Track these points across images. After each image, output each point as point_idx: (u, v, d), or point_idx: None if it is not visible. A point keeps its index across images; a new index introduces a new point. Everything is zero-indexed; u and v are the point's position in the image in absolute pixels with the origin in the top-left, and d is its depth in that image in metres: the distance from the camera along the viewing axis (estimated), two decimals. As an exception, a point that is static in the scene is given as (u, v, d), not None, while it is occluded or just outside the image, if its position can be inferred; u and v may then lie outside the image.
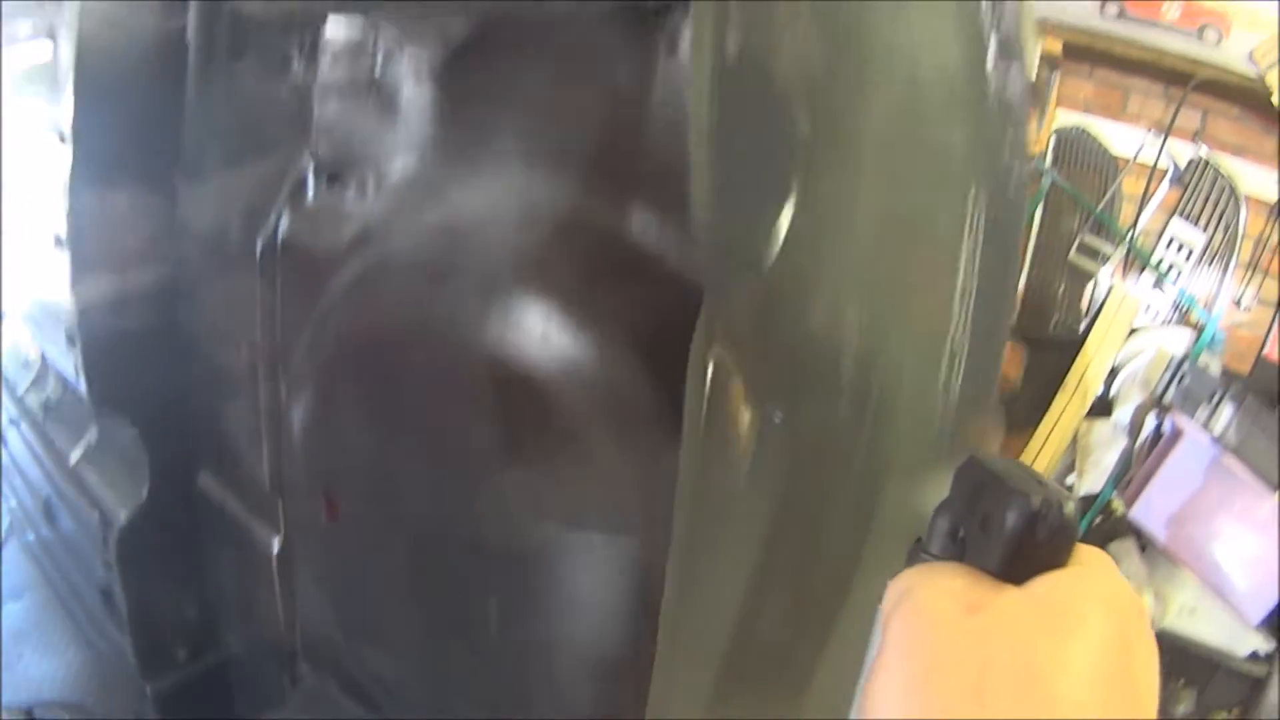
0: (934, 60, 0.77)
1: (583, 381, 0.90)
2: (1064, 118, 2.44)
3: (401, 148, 1.10)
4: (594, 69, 0.92)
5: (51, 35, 1.37)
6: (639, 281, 0.88)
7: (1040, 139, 2.43)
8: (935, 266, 0.79)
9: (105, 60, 1.30)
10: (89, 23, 1.28)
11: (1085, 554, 0.37)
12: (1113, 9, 2.33)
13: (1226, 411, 1.84)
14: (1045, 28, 2.35)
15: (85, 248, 1.34)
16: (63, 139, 1.31)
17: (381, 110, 1.11)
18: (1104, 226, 2.29)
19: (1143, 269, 2.31)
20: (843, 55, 0.74)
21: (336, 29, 1.16)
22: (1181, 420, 1.87)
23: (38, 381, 1.79)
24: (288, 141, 1.19)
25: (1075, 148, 2.42)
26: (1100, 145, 2.40)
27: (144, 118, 1.33)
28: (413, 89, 1.09)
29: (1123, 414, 2.12)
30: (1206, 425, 1.84)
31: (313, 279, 1.14)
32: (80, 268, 1.34)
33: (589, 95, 0.93)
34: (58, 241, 1.38)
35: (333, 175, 1.16)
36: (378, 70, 1.12)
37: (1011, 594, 0.35)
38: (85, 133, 1.30)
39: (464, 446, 1.04)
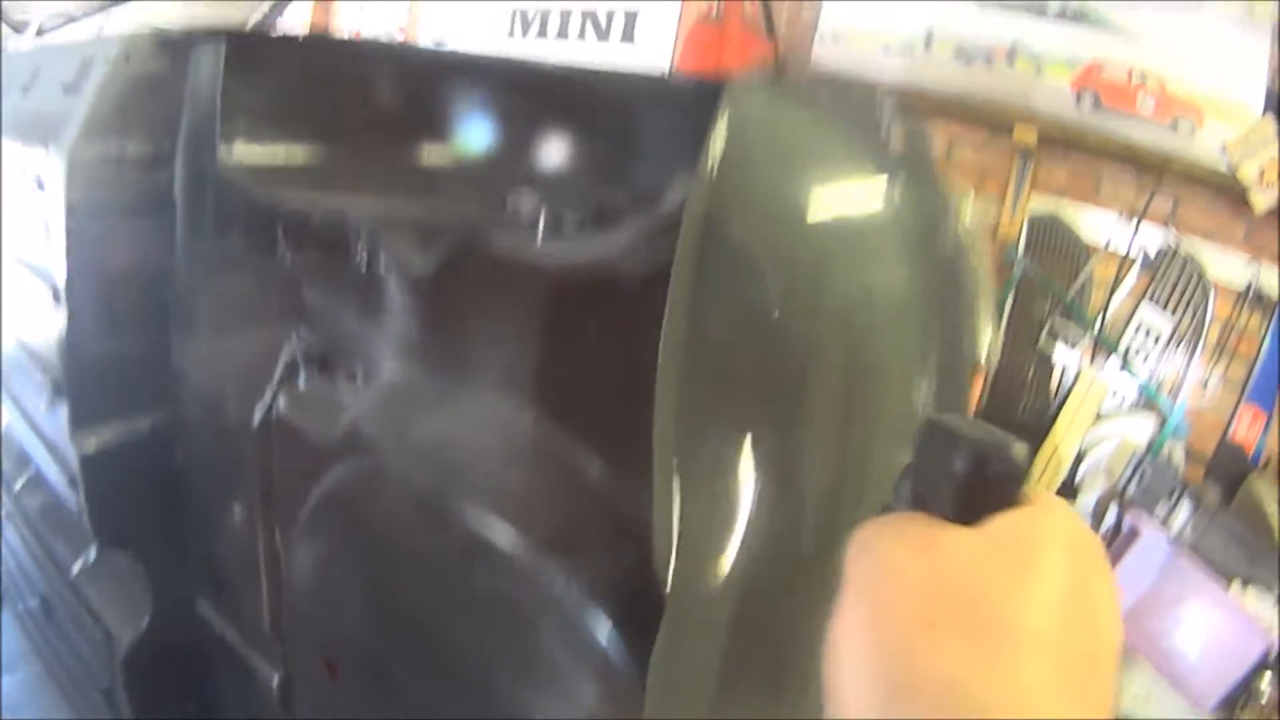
0: (885, 281, 0.84)
1: (551, 610, 0.96)
2: (1038, 202, 2.49)
3: (387, 347, 1.14)
4: (571, 321, 0.97)
5: (39, 184, 1.37)
6: (604, 526, 0.94)
7: (1014, 225, 2.47)
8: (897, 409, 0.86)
9: (94, 221, 1.31)
10: (75, 188, 1.29)
11: (1038, 496, 0.37)
12: (1088, 100, 2.37)
13: (1184, 510, 1.93)
14: (1021, 117, 2.38)
15: (83, 399, 1.37)
16: (57, 298, 1.34)
17: (366, 306, 1.14)
18: (1073, 314, 2.34)
19: (1110, 354, 2.37)
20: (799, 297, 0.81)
21: (320, 219, 1.17)
22: (1140, 519, 1.95)
23: (33, 484, 1.82)
24: (278, 320, 1.22)
25: (1048, 233, 2.46)
26: (1072, 231, 2.44)
27: (135, 273, 1.35)
28: (397, 291, 1.11)
29: (1086, 502, 2.19)
30: (1165, 523, 1.93)
31: (307, 461, 1.18)
32: (79, 419, 1.37)
33: (567, 343, 0.98)
34: (56, 390, 1.41)
35: (322, 362, 1.19)
36: (362, 266, 1.14)
37: (964, 532, 0.36)
38: (78, 292, 1.32)
39: (450, 639, 1.10)
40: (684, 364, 0.75)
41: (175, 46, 1.34)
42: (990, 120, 2.51)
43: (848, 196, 0.83)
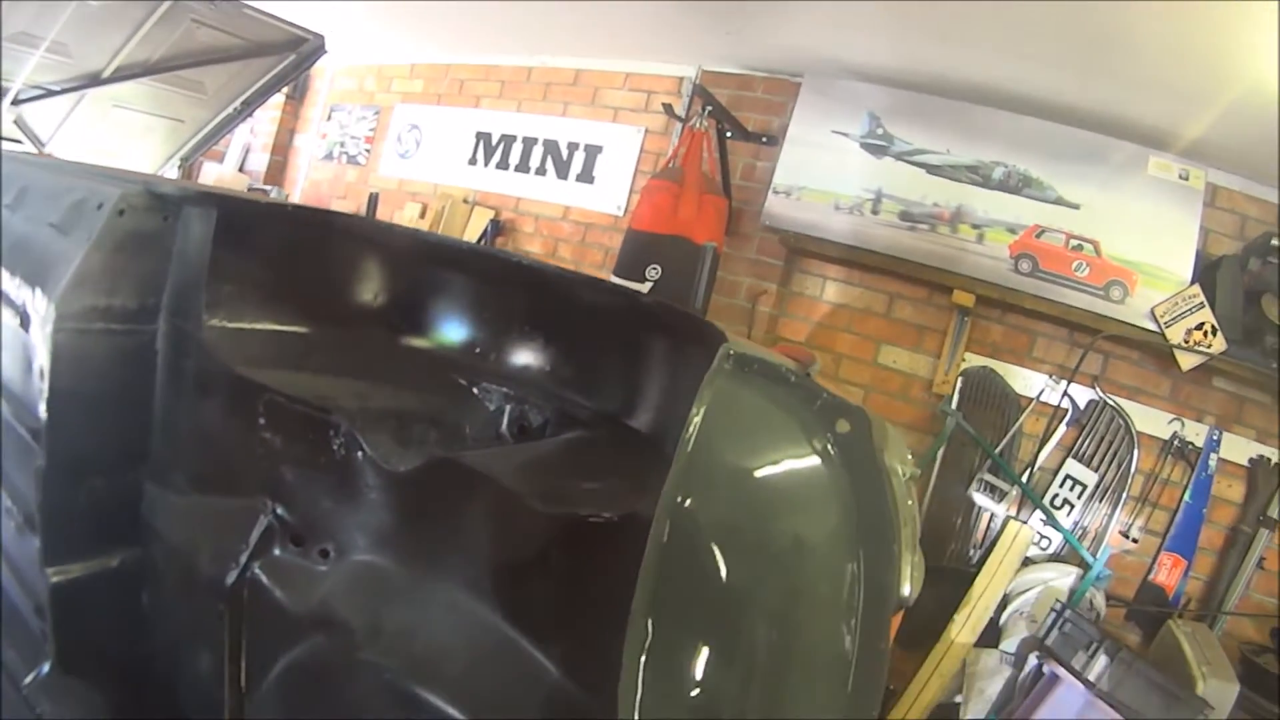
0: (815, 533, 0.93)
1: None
2: (973, 359, 2.63)
3: (360, 531, 1.20)
4: (539, 543, 1.05)
5: (25, 319, 1.41)
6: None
7: (949, 379, 2.61)
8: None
9: (79, 367, 1.34)
10: (63, 334, 1.32)
11: None
12: (1026, 265, 2.52)
13: (1101, 661, 2.05)
14: (960, 280, 2.52)
15: (56, 536, 1.41)
16: (36, 438, 1.38)
17: (341, 491, 1.21)
18: (1002, 468, 2.47)
19: (1035, 508, 2.50)
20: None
21: (299, 404, 1.23)
22: (1059, 668, 2.06)
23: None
24: (253, 489, 1.27)
25: (981, 386, 2.59)
26: (1004, 384, 2.58)
27: (116, 420, 1.39)
28: (371, 482, 1.18)
29: (1009, 645, 2.30)
30: (1083, 671, 2.04)
31: (278, 627, 1.23)
32: (51, 554, 1.41)
33: (534, 561, 1.06)
34: (28, 522, 1.45)
35: (296, 537, 1.25)
36: (338, 452, 1.20)
37: None
38: (59, 434, 1.36)
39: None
40: (653, 600, 0.84)
41: (167, 204, 1.40)
42: (931, 280, 2.65)
43: (787, 472, 0.93)
